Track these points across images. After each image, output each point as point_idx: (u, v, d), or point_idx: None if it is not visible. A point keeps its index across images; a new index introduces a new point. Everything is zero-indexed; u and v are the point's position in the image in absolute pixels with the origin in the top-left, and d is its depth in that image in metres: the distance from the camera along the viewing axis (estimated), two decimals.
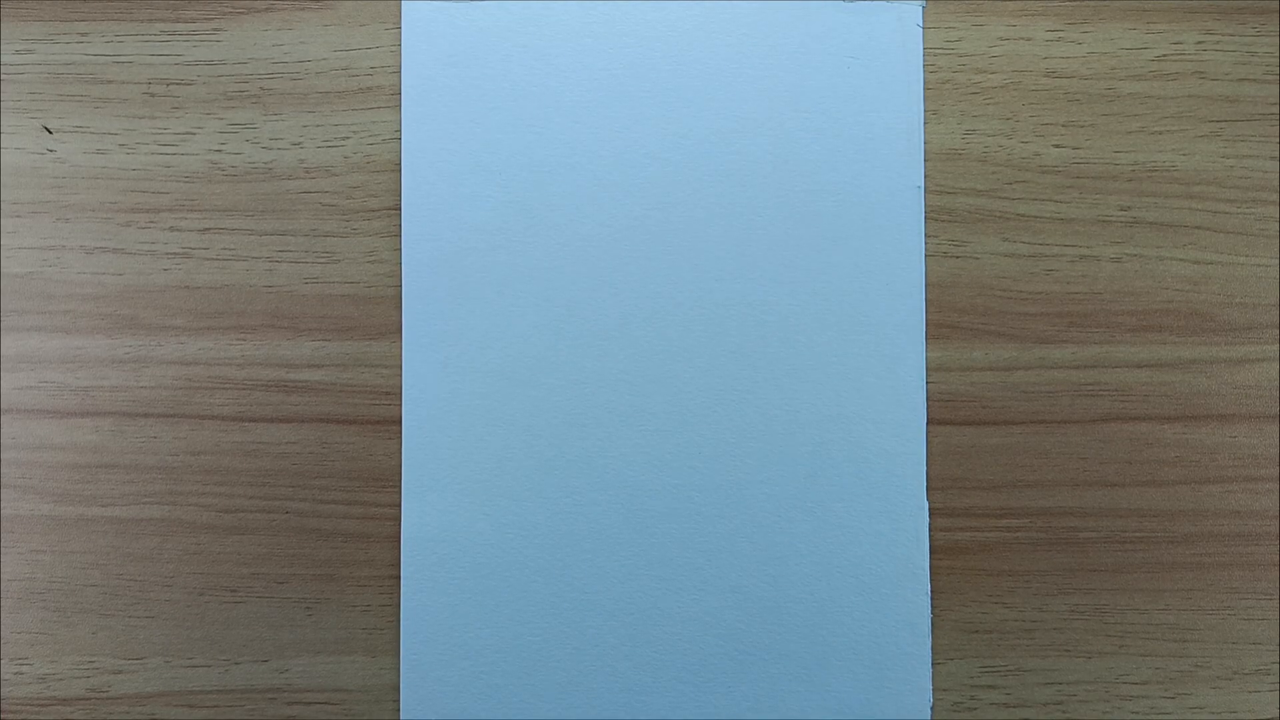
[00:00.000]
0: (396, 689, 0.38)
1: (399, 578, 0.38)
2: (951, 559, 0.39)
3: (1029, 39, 0.40)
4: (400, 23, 0.40)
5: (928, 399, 0.39)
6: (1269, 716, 0.39)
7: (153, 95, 0.40)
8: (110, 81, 0.40)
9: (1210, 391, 0.39)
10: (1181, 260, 0.39)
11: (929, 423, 0.39)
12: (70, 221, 0.40)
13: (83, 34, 0.40)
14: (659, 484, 0.38)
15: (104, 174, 0.40)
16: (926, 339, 0.39)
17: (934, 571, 0.39)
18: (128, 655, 0.39)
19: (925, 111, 0.40)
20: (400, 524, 0.39)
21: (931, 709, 0.38)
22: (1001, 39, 0.40)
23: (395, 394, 0.39)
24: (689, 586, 0.38)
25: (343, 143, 0.40)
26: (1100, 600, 0.39)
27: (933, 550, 0.39)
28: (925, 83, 0.40)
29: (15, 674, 0.39)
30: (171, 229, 0.40)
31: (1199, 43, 0.40)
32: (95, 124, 0.40)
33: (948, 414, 0.39)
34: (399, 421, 0.39)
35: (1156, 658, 0.39)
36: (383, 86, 0.40)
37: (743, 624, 0.38)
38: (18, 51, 0.40)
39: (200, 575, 0.39)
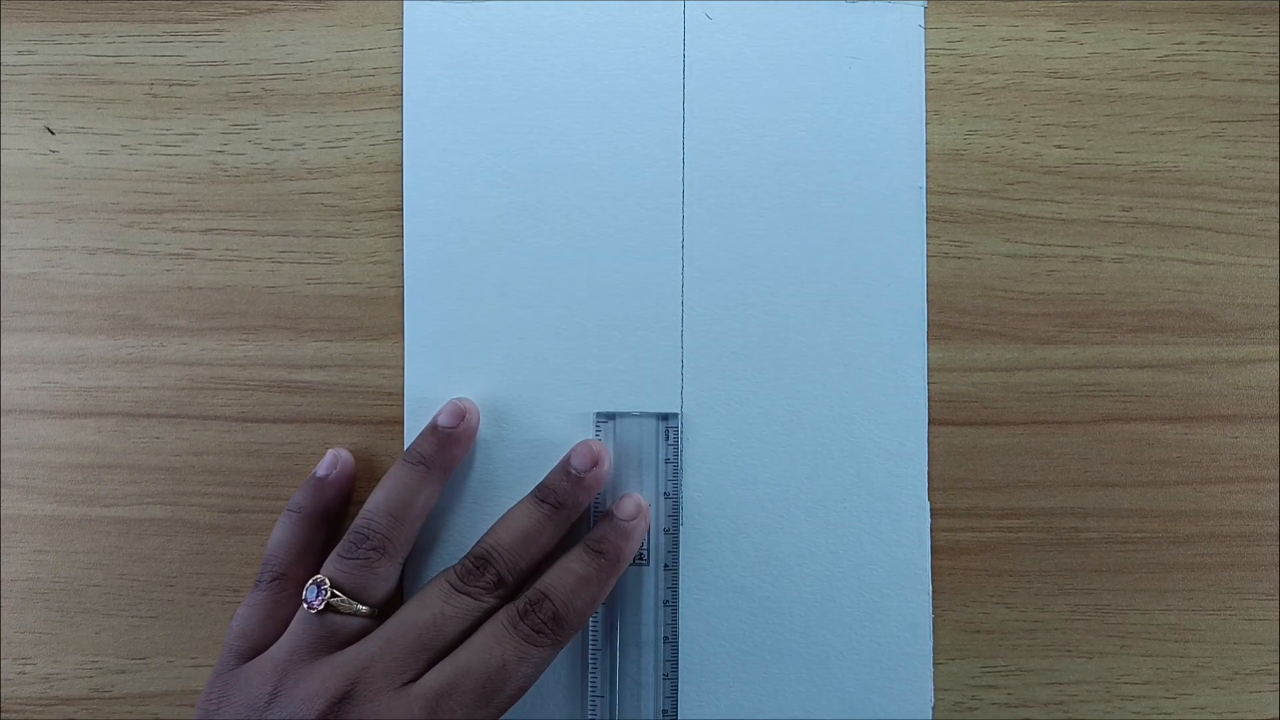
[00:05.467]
0: None
1: (401, 577, 0.38)
2: (953, 559, 0.39)
3: (1030, 39, 0.40)
4: (402, 23, 0.40)
5: (929, 399, 0.39)
6: (1270, 717, 0.39)
7: (155, 96, 0.40)
8: (113, 82, 0.40)
9: (1212, 392, 0.39)
10: (1183, 261, 0.39)
11: (930, 423, 0.39)
12: (73, 222, 0.40)
13: (85, 35, 0.40)
14: (661, 483, 0.39)
15: (106, 175, 0.40)
16: (928, 339, 0.39)
17: (935, 572, 0.39)
18: (131, 655, 0.39)
19: (927, 112, 0.40)
20: None
21: (933, 709, 0.38)
22: (1003, 39, 0.40)
23: (397, 394, 0.39)
24: (690, 586, 0.38)
25: (345, 143, 0.40)
26: (1101, 600, 0.39)
27: (934, 550, 0.39)
28: (927, 83, 0.40)
29: (19, 674, 0.39)
30: (174, 230, 0.40)
31: (1201, 43, 0.40)
32: (98, 125, 0.40)
33: (949, 414, 0.39)
34: (401, 422, 0.39)
35: (1158, 658, 0.39)
36: (385, 87, 0.40)
37: (744, 624, 0.38)
38: (20, 52, 0.40)
39: (203, 575, 0.39)
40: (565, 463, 0.37)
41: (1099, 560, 0.39)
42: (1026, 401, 0.39)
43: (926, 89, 0.40)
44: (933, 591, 0.39)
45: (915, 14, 0.40)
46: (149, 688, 0.39)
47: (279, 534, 0.37)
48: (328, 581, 0.35)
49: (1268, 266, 0.39)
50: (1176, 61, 0.40)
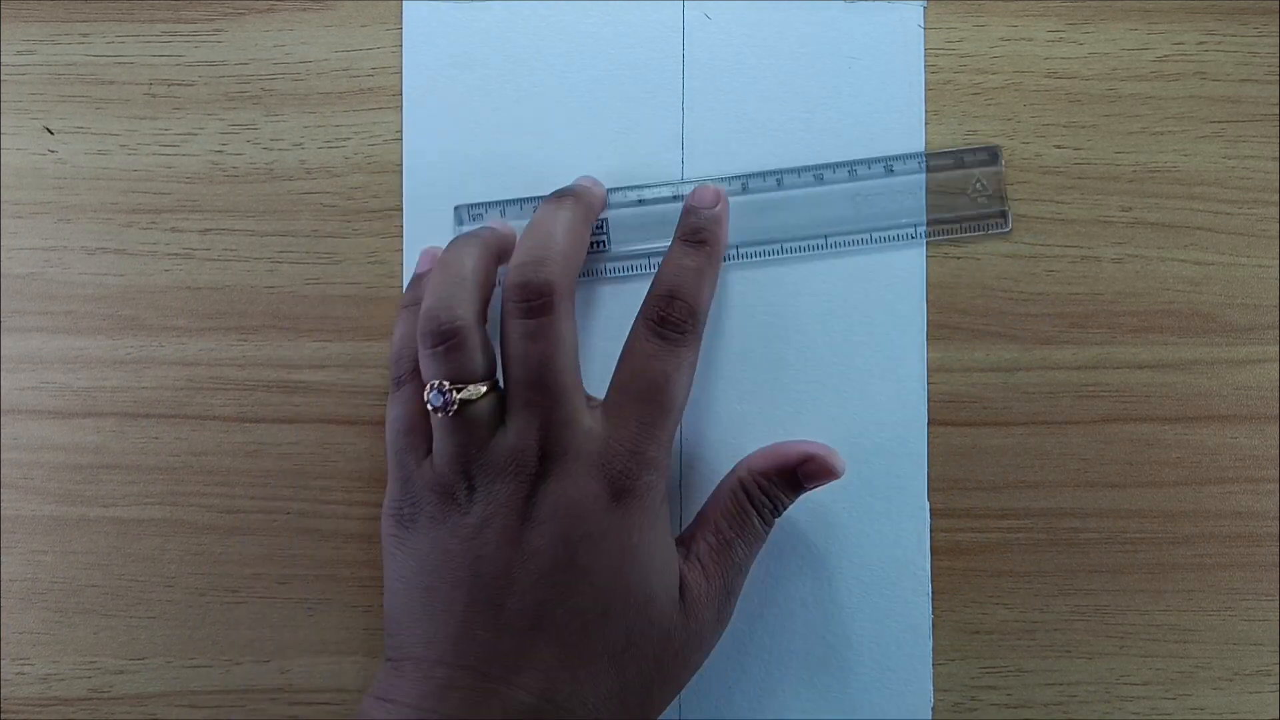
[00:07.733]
0: None
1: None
2: (952, 560, 0.39)
3: (1030, 39, 0.40)
4: (401, 23, 0.40)
5: (928, 399, 0.39)
6: (1270, 717, 0.39)
7: (154, 96, 0.40)
8: (111, 82, 0.40)
9: (1211, 392, 0.39)
10: (1183, 261, 0.39)
11: (930, 423, 0.39)
12: (71, 222, 0.40)
13: (84, 35, 0.40)
14: None
15: (105, 175, 0.40)
16: (927, 339, 0.39)
17: (935, 572, 0.39)
18: (129, 655, 0.39)
19: (926, 112, 0.40)
20: None
21: (932, 710, 0.38)
22: (1003, 39, 0.40)
23: None
24: None
25: (344, 144, 0.40)
26: (1101, 601, 0.39)
27: (933, 551, 0.39)
28: (926, 83, 0.40)
29: (17, 674, 0.39)
30: (173, 230, 0.40)
31: (1200, 43, 0.40)
32: (96, 125, 0.40)
33: (948, 415, 0.39)
34: None
35: (1157, 659, 0.39)
36: (384, 87, 0.40)
37: (744, 624, 0.38)
38: (19, 52, 0.40)
39: (202, 576, 0.39)
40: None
41: (1099, 561, 0.39)
42: (1026, 402, 0.39)
43: (926, 89, 0.40)
44: (932, 592, 0.39)
45: (915, 14, 0.40)
46: (147, 688, 0.39)
47: (402, 328, 0.36)
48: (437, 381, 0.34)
49: (1268, 266, 0.39)
50: (1176, 61, 0.40)
